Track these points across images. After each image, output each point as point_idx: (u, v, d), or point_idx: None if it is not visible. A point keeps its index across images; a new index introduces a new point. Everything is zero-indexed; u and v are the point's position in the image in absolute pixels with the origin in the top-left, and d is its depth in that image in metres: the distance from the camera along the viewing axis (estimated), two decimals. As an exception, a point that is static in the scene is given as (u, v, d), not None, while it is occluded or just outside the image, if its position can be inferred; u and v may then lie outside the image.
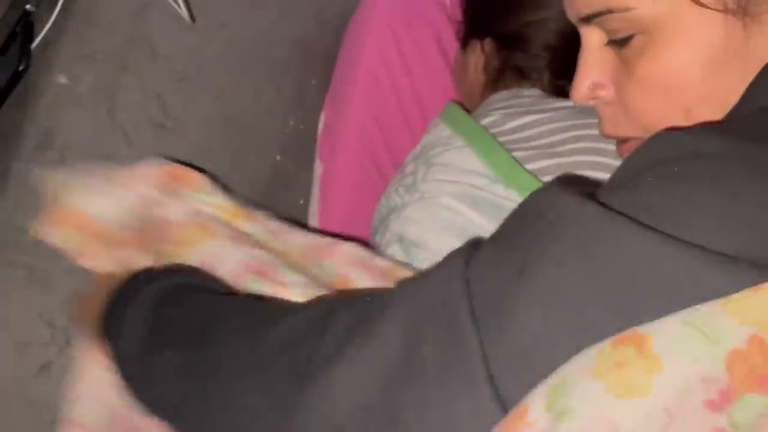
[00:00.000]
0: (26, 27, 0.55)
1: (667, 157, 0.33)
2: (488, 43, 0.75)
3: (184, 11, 0.62)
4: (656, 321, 0.28)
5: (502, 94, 0.73)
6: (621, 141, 0.48)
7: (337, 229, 0.73)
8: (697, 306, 0.28)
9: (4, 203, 0.57)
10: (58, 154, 0.58)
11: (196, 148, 0.66)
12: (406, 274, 0.53)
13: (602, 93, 0.46)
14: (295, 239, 0.55)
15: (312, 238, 0.56)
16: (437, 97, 0.82)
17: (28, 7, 0.54)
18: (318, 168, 0.80)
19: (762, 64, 0.39)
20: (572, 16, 0.46)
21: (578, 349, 0.29)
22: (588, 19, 0.44)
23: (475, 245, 0.35)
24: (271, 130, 0.76)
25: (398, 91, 0.81)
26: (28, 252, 0.57)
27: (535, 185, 0.61)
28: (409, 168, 0.67)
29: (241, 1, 0.71)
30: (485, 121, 0.67)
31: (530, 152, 0.64)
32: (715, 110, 0.41)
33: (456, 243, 0.41)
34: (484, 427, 0.30)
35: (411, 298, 0.34)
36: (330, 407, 0.34)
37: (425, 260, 0.59)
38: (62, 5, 0.57)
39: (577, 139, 0.65)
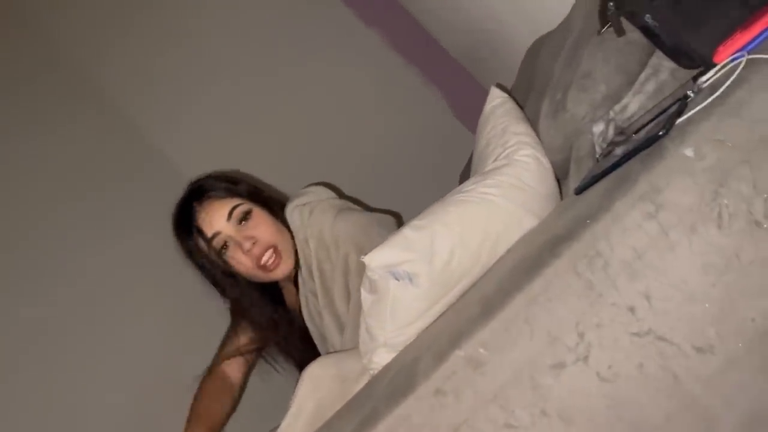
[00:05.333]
0: (681, 106, 0.75)
1: None
2: None
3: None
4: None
5: None
6: None
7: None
8: None
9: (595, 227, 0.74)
10: (654, 208, 0.72)
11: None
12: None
13: None
14: None
15: None
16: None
17: (689, 92, 0.75)
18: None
19: None
20: None
21: None
22: None
23: None
24: None
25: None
26: (591, 269, 0.72)
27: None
28: None
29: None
30: None
31: None
32: None
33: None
34: None
35: None
36: None
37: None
38: (718, 96, 0.72)
39: None
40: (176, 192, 1.36)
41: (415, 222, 0.92)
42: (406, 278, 0.89)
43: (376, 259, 0.88)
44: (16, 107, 1.90)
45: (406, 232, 0.91)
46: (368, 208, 1.45)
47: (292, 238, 1.31)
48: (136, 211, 1.86)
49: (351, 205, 1.39)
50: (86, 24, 1.99)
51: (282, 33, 2.12)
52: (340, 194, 1.57)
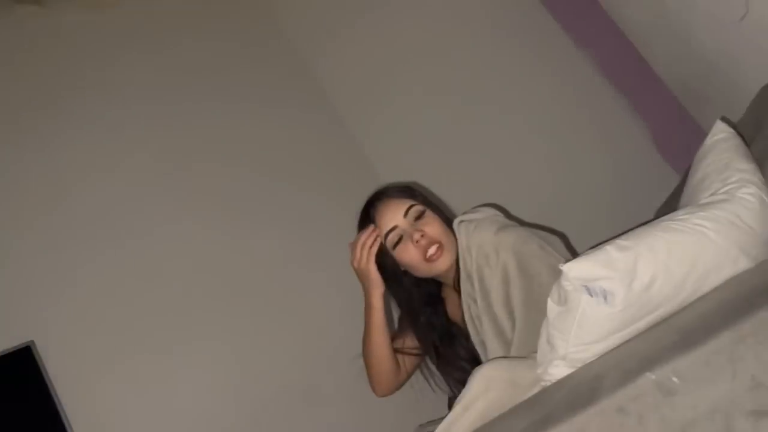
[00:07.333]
0: None
1: None
2: None
3: None
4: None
5: None
6: None
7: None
8: None
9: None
10: None
11: None
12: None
13: None
14: None
15: None
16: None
17: None
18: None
19: None
20: None
21: None
22: None
23: None
24: None
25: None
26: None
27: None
28: None
29: None
30: None
31: None
32: None
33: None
34: None
35: None
36: None
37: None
38: None
39: None
40: (368, 191, 1.50)
41: (620, 241, 0.91)
42: (600, 295, 0.89)
43: (574, 270, 0.89)
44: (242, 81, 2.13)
45: (610, 249, 0.90)
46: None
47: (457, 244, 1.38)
48: (329, 203, 1.99)
49: (516, 223, 1.41)
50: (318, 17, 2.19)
51: (492, 48, 2.17)
52: (511, 217, 1.57)
